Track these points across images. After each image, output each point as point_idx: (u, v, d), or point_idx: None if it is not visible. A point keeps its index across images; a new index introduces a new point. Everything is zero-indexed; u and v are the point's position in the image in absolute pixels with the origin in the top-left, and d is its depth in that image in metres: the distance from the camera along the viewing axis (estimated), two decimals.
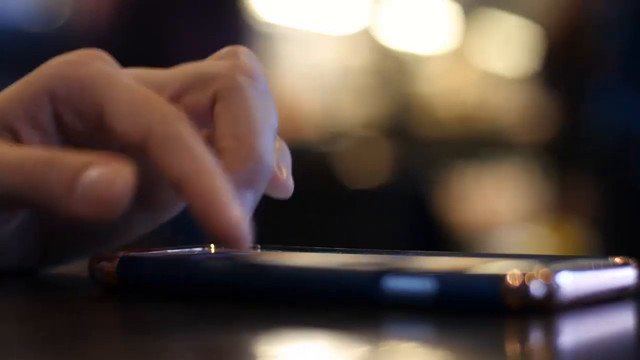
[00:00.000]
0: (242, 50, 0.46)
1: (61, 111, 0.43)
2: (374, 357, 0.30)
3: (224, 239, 0.39)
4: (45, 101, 0.43)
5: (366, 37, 3.13)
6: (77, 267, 0.48)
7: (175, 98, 0.44)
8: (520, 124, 2.88)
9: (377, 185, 2.64)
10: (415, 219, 2.66)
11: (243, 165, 0.41)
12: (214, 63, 0.45)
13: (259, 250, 0.45)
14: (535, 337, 0.33)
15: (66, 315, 0.38)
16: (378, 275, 0.36)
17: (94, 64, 0.43)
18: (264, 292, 0.38)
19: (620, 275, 0.38)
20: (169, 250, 0.43)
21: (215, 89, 0.43)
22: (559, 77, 2.61)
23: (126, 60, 0.45)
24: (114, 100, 0.42)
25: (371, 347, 0.31)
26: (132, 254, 0.41)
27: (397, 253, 0.42)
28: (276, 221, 2.32)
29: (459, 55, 3.20)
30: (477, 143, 2.99)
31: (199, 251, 0.44)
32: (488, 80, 3.15)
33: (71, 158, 0.40)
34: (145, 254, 0.42)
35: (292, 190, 0.45)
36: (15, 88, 0.44)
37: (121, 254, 0.41)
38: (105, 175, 0.39)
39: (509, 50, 3.11)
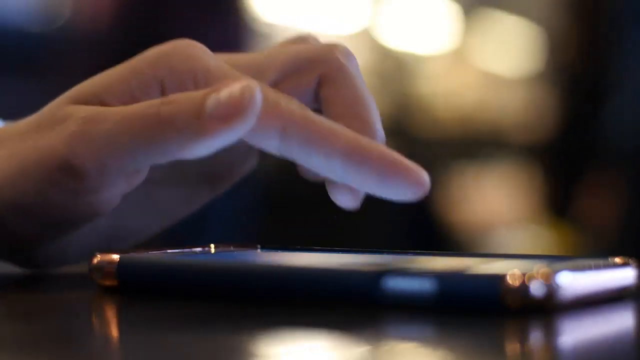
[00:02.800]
0: (312, 35, 0.47)
1: None
2: (374, 357, 0.30)
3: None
4: (155, 90, 0.43)
5: (366, 37, 3.13)
6: (77, 267, 0.48)
7: (277, 83, 0.45)
8: (520, 124, 2.88)
9: None
10: (415, 219, 2.66)
11: None
12: (309, 47, 0.46)
13: (259, 250, 0.45)
14: (535, 337, 0.33)
15: (66, 315, 0.38)
16: (378, 275, 0.36)
17: (202, 57, 0.43)
18: (264, 292, 0.38)
19: (620, 275, 0.38)
20: (168, 251, 0.43)
21: (320, 72, 0.44)
22: (558, 77, 2.61)
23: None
24: None
25: (371, 347, 0.31)
26: (132, 254, 0.41)
27: (397, 253, 0.42)
28: (276, 221, 2.31)
29: (459, 55, 3.20)
30: (477, 143, 2.99)
31: (199, 251, 0.44)
32: (488, 80, 3.15)
33: (188, 94, 0.41)
34: (144, 254, 0.42)
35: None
36: (119, 74, 0.44)
37: (120, 254, 0.41)
38: (231, 91, 0.39)
39: (509, 50, 3.11)
